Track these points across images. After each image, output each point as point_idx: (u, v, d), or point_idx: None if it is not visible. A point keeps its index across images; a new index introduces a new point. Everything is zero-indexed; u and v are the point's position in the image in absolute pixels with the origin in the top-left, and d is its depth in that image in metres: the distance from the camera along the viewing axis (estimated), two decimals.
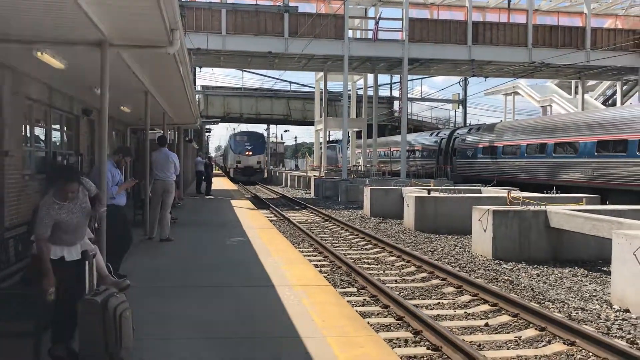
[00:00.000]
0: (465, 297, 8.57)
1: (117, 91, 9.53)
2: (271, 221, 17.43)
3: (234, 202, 20.92)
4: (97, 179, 6.05)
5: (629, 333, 6.86)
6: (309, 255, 12.02)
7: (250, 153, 44.36)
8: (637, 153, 18.82)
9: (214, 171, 31.73)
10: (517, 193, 16.20)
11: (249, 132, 48.01)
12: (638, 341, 6.56)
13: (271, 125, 65.88)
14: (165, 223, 10.67)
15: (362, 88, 41.02)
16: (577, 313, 7.76)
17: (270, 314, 5.87)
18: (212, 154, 78.87)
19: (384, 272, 10.70)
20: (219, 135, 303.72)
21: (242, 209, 18.44)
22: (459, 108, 52.72)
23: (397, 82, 52.22)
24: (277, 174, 50.44)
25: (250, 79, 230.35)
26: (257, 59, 31.56)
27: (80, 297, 4.11)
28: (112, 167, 7.08)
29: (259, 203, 24.96)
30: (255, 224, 14.12)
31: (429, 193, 17.54)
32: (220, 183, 35.38)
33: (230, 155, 46.85)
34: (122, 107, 12.47)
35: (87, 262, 4.29)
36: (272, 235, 12.18)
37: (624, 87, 37.10)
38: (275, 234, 12.42)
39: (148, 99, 10.62)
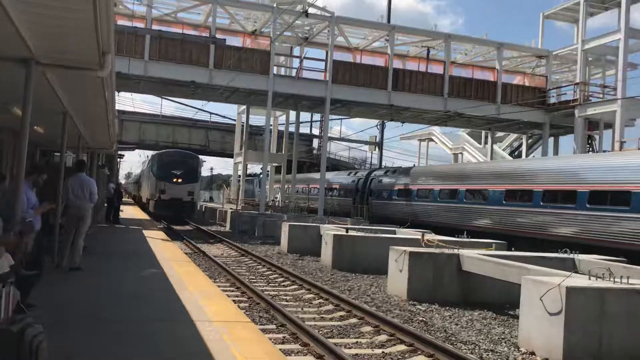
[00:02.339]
0: (383, 337, 8.73)
1: (34, 111, 9.13)
2: (186, 253, 17.12)
3: (146, 232, 20.42)
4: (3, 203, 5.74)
5: None
6: (227, 290, 11.87)
7: (180, 180, 33.43)
8: (541, 203, 20.13)
9: (123, 198, 31.13)
10: (431, 236, 16.77)
11: (178, 152, 36.80)
12: None
13: None
14: (77, 251, 10.24)
15: (283, 124, 41.46)
16: (487, 355, 8.10)
17: (191, 350, 5.72)
18: (122, 180, 75.69)
19: (302, 309, 10.72)
20: (130, 161, 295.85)
21: (155, 239, 18.04)
22: (375, 150, 54.32)
23: (318, 121, 53.26)
24: None
25: (168, 107, 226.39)
26: (179, 88, 31.24)
27: None
28: (27, 189, 6.74)
29: (172, 234, 24.41)
30: (169, 255, 13.82)
31: (347, 232, 17.82)
32: (130, 211, 34.37)
33: (150, 182, 35.50)
34: (36, 127, 11.90)
35: (3, 287, 4.04)
36: (188, 268, 11.94)
37: (529, 141, 39.75)
38: (192, 267, 12.18)
39: (66, 120, 10.22)
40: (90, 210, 10.60)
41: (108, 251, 13.98)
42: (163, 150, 38.07)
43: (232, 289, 12.36)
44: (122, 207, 27.52)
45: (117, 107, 16.77)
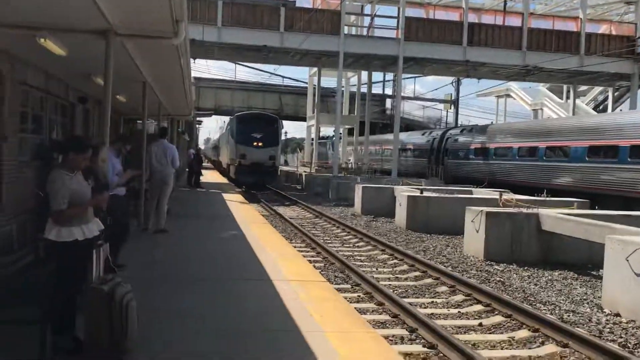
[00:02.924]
0: (459, 297, 8.67)
1: (115, 80, 9.46)
2: (263, 215, 17.52)
3: (225, 196, 20.97)
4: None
5: (621, 337, 6.98)
6: (303, 251, 12.08)
7: (261, 144, 32.02)
8: (628, 159, 19.05)
9: (203, 163, 31.99)
10: (509, 195, 16.33)
11: (258, 115, 35.51)
12: (629, 344, 6.69)
13: None
14: (162, 214, 10.71)
15: (355, 85, 41.05)
16: (568, 316, 7.88)
17: (269, 308, 5.91)
18: (202, 146, 78.00)
19: (377, 269, 10.78)
20: (208, 127, 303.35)
21: (234, 202, 18.51)
22: (450, 108, 53.02)
23: (390, 80, 52.40)
24: None
25: (242, 72, 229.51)
26: (252, 52, 31.52)
27: (84, 284, 4.13)
28: (112, 157, 7.08)
29: (249, 197, 24.92)
30: (248, 217, 14.18)
31: (421, 193, 17.64)
32: (210, 176, 35.23)
33: (229, 147, 34.51)
34: (118, 97, 12.36)
35: (94, 250, 4.29)
36: (265, 229, 12.25)
37: (616, 94, 37.48)
38: (269, 229, 12.48)
39: (146, 88, 10.55)
40: (172, 175, 10.95)
41: (190, 214, 14.45)
42: (242, 113, 36.64)
43: (307, 249, 12.56)
44: (202, 171, 28.20)
45: (193, 74, 17.23)
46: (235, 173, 32.13)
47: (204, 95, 49.66)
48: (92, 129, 13.09)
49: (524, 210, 12.56)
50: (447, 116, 57.28)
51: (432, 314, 7.74)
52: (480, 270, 10.86)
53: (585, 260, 11.57)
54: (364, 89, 39.30)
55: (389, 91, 54.22)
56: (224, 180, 33.56)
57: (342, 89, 35.01)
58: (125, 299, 3.98)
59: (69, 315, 4.26)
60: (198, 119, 44.51)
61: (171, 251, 9.07)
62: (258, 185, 31.09)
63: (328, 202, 25.49)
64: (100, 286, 3.97)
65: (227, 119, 44.47)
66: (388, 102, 54.04)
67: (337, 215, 19.86)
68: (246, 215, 14.85)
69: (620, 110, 36.06)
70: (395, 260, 11.61)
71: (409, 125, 52.24)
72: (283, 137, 42.59)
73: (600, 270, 9.31)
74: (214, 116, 60.46)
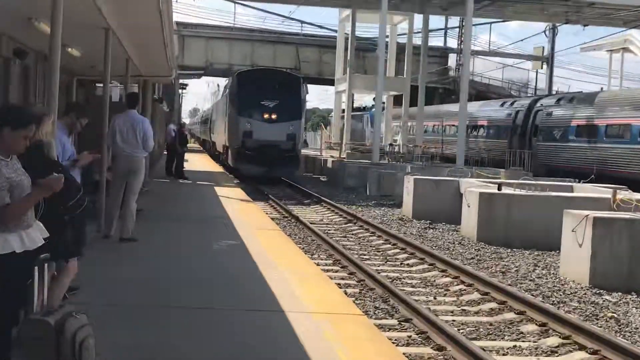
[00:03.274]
0: (553, 340, 8.58)
1: (66, 26, 9.51)
2: (273, 219, 17.57)
3: (219, 190, 21.13)
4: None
5: None
6: (329, 270, 12.08)
7: (275, 116, 30.95)
8: None
9: (188, 144, 32.10)
10: (627, 194, 16.11)
11: (271, 72, 34.64)
12: None
13: None
14: (129, 216, 10.77)
15: (405, 35, 40.79)
16: None
17: (281, 354, 5.91)
18: (186, 120, 78.53)
19: (435, 298, 10.76)
20: (195, 93, 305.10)
21: (232, 199, 18.63)
22: (542, 68, 52.55)
23: (455, 28, 52.14)
24: None
25: (245, 16, 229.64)
26: None
27: (22, 313, 4.15)
28: (61, 134, 7.12)
29: (253, 191, 25.16)
30: (251, 221, 14.22)
31: (499, 189, 17.56)
32: (197, 161, 35.42)
33: (227, 122, 33.40)
34: (70, 49, 12.49)
35: (37, 266, 4.32)
36: (276, 239, 12.31)
37: None
38: (281, 238, 12.56)
39: (109, 39, 10.67)
40: (144, 160, 11.05)
41: (170, 215, 14.46)
42: (247, 69, 36.06)
43: (335, 267, 12.59)
44: (187, 156, 28.46)
45: (176, 18, 17.30)
46: (236, 160, 31.21)
47: (191, 49, 49.78)
48: (33, 95, 13.21)
49: None
50: (536, 79, 56.85)
51: None
52: (584, 302, 10.75)
53: None
54: (417, 40, 39.01)
55: (452, 43, 54.01)
56: (218, 168, 33.66)
57: (386, 39, 34.63)
58: (78, 336, 4.00)
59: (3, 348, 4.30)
60: (182, 81, 44.50)
61: (143, 268, 9.14)
62: (269, 179, 30.10)
63: (365, 200, 25.56)
64: (44, 317, 3.99)
65: (223, 81, 43.94)
66: (452, 59, 53.79)
67: (379, 220, 19.80)
68: (249, 218, 14.83)
69: None
70: (461, 286, 11.55)
71: (483, 92, 51.76)
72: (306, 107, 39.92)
73: None
74: (204, 78, 60.48)
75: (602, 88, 41.17)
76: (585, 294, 11.27)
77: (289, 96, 31.38)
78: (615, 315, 9.95)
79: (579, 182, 22.08)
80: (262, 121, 30.84)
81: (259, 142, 30.30)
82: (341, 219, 20.19)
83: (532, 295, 10.85)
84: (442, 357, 7.77)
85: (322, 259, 13.29)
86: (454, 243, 16.17)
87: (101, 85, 16.37)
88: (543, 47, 51.39)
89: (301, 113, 32.42)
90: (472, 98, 39.64)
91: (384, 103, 40.27)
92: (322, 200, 23.97)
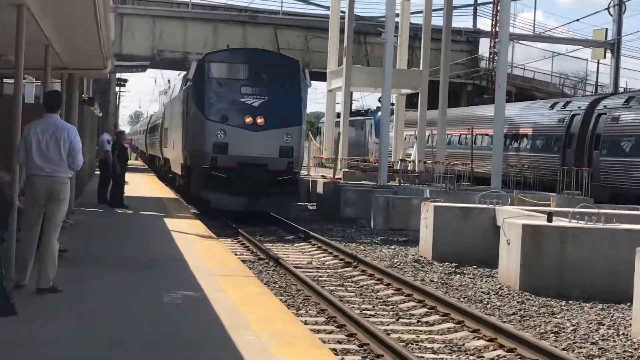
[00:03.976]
0: None
1: None
2: (245, 261, 17.55)
3: (171, 223, 21.19)
4: None
5: None
6: (321, 331, 12.09)
7: (261, 121, 28.70)
8: None
9: (129, 161, 32.36)
10: None
11: (255, 53, 33.24)
12: None
13: None
14: (49, 259, 10.67)
15: (420, 13, 41.11)
16: None
17: None
18: (125, 128, 78.10)
19: None
20: (139, 92, 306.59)
21: (188, 236, 18.65)
22: (604, 57, 52.63)
23: (488, 3, 52.26)
24: None
25: None
26: None
27: None
28: None
29: (219, 226, 25.12)
30: (215, 266, 14.17)
31: (549, 220, 17.44)
32: (141, 183, 35.67)
33: (189, 129, 31.37)
34: None
35: None
36: (249, 289, 12.23)
37: None
38: (256, 287, 12.48)
39: (22, 17, 10.62)
40: (69, 182, 10.95)
41: (104, 257, 14.35)
42: (218, 50, 34.22)
43: (329, 327, 12.54)
44: (127, 176, 28.32)
45: None
46: (203, 187, 28.86)
47: (133, 32, 49.59)
48: None
49: None
50: (597, 72, 56.92)
51: None
52: None
53: None
54: (437, 21, 39.11)
55: (484, 24, 54.02)
56: (169, 193, 33.77)
57: (396, 20, 34.87)
58: None
59: None
60: (120, 76, 43.71)
61: (67, 329, 8.97)
62: (254, 215, 28.19)
63: (368, 235, 25.63)
64: None
65: (175, 75, 42.88)
66: (483, 46, 53.90)
67: (387, 262, 19.86)
68: (212, 261, 14.83)
69: None
70: (499, 351, 11.52)
71: (524, 90, 51.66)
72: None
73: None
74: (150, 71, 59.81)
75: None
76: None
77: (284, 90, 29.50)
78: None
79: None
80: (242, 127, 28.41)
81: (237, 160, 28.07)
82: (337, 261, 20.17)
83: None
84: None
85: (311, 316, 13.28)
86: (488, 293, 16.19)
87: (11, 81, 16.29)
88: (606, 30, 51.45)
89: (301, 115, 30.16)
90: (512, 97, 39.97)
91: (392, 105, 40.39)
92: (310, 236, 23.98)
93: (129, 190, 27.47)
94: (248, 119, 28.43)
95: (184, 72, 37.02)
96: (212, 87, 29.30)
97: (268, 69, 30.10)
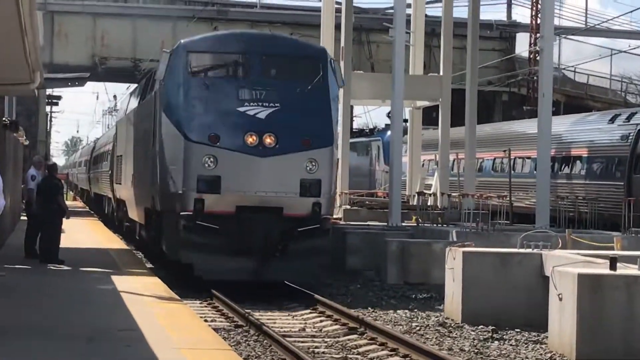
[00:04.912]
0: None
1: None
2: (217, 331, 16.58)
3: (121, 282, 20.47)
4: None
5: None
6: None
7: (273, 140, 22.94)
8: None
9: (65, 202, 28.44)
10: None
11: (259, 38, 27.54)
12: None
13: None
14: None
15: (438, 3, 40.25)
16: None
17: None
18: (59, 160, 76.66)
19: None
20: (76, 111, 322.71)
21: (144, 298, 18.28)
22: None
23: None
24: None
25: None
26: None
27: None
28: None
29: (183, 284, 23.26)
30: (179, 337, 13.61)
31: (612, 267, 16.79)
32: (82, 231, 35.88)
33: (165, 156, 24.37)
34: None
35: None
36: None
37: None
38: None
39: None
40: None
41: (34, 328, 13.85)
42: (207, 35, 27.80)
43: None
44: (64, 222, 26.01)
45: None
46: (183, 244, 22.86)
47: (68, 35, 49.52)
48: None
49: None
50: None
51: None
52: None
53: None
54: (460, 13, 38.28)
55: (521, 15, 53.94)
56: (117, 242, 33.24)
57: (408, 10, 33.34)
58: None
59: None
60: (52, 92, 43.52)
61: None
62: (252, 284, 22.72)
63: (379, 291, 25.45)
64: None
65: (123, 89, 41.12)
66: (521, 43, 54.23)
67: (404, 326, 19.73)
68: (176, 329, 14.32)
69: None
70: None
71: (578, 97, 51.92)
72: None
73: None
74: (90, 85, 59.41)
75: None
76: None
77: (304, 93, 23.37)
78: None
79: None
80: (242, 152, 22.48)
81: (235, 202, 22.54)
82: (338, 326, 19.51)
83: None
84: None
85: None
86: None
87: None
88: None
89: (332, 130, 23.98)
90: (561, 109, 39.24)
91: (405, 121, 39.00)
92: (303, 295, 22.97)
93: (65, 241, 26.03)
94: (251, 139, 22.35)
95: (135, 85, 33.38)
96: (195, 91, 23.14)
97: (280, 62, 24.25)
